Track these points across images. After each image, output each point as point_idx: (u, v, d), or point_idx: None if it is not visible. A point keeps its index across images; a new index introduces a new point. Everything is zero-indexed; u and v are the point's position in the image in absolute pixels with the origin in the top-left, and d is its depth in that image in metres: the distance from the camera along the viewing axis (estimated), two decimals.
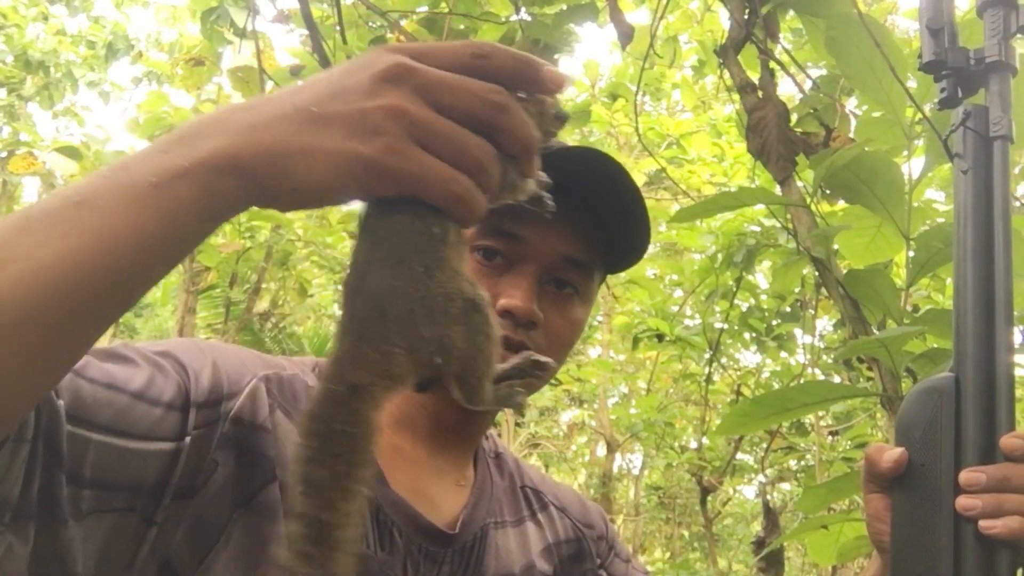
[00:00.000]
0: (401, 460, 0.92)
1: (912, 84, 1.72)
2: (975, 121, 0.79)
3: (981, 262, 0.77)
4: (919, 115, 1.70)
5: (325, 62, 2.81)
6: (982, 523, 0.73)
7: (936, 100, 0.83)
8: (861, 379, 3.09)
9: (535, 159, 0.66)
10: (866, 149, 1.70)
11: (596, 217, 0.92)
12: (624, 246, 0.98)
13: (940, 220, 2.49)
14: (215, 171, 0.58)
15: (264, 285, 6.16)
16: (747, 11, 2.05)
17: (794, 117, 2.05)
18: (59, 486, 0.68)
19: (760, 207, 2.89)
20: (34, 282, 0.54)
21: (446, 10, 3.00)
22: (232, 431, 0.80)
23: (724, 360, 4.82)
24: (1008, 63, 0.80)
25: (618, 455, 8.18)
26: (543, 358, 0.77)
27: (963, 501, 0.75)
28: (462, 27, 3.07)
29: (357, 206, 0.68)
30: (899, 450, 0.79)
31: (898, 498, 0.79)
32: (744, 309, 4.26)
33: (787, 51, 2.33)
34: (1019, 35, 0.81)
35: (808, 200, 1.94)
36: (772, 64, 2.07)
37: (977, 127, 0.79)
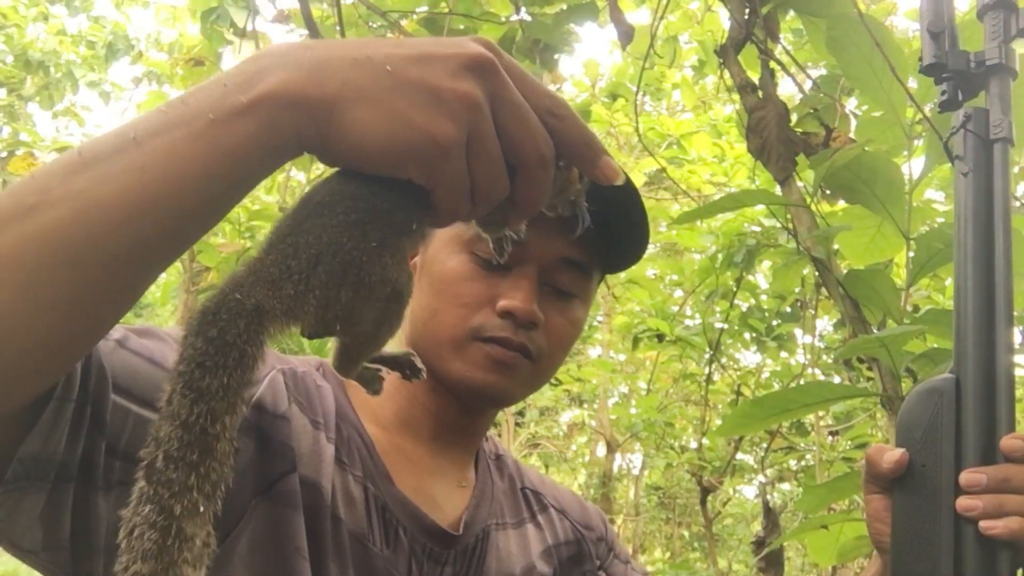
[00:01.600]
0: (404, 460, 0.92)
1: (912, 84, 1.72)
2: (975, 124, 0.80)
3: (982, 263, 0.77)
4: (919, 115, 1.70)
5: None
6: (983, 524, 0.74)
7: (936, 102, 0.83)
8: (861, 379, 3.09)
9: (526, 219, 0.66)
10: (866, 149, 1.70)
11: (595, 218, 0.92)
12: (623, 247, 0.98)
13: (940, 220, 2.49)
14: (279, 106, 0.55)
15: None
16: (747, 11, 2.05)
17: (794, 117, 2.05)
18: (99, 453, 0.68)
19: (760, 207, 2.89)
20: (93, 218, 0.53)
21: (446, 10, 3.00)
22: (253, 417, 0.81)
23: (724, 360, 4.82)
24: (1008, 66, 0.80)
25: (618, 455, 8.18)
26: (419, 365, 0.79)
27: (964, 502, 0.75)
28: (462, 27, 3.07)
29: None
30: (900, 451, 0.79)
31: (899, 499, 0.79)
32: (744, 309, 4.26)
33: (787, 51, 2.33)
34: (1019, 38, 0.81)
35: (808, 200, 1.94)
36: (772, 64, 2.07)
37: (977, 130, 0.79)
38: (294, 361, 0.91)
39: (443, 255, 0.92)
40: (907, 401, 0.79)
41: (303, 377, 0.89)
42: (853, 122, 2.09)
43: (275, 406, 0.83)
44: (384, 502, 0.88)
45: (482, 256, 0.90)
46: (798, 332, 4.25)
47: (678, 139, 5.53)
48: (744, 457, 5.75)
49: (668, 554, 9.22)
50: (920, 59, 0.83)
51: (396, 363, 0.77)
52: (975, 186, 0.79)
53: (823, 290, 2.99)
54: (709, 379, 4.70)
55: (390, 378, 0.96)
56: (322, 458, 0.84)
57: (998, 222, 0.78)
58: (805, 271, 3.14)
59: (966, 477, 0.75)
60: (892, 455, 0.79)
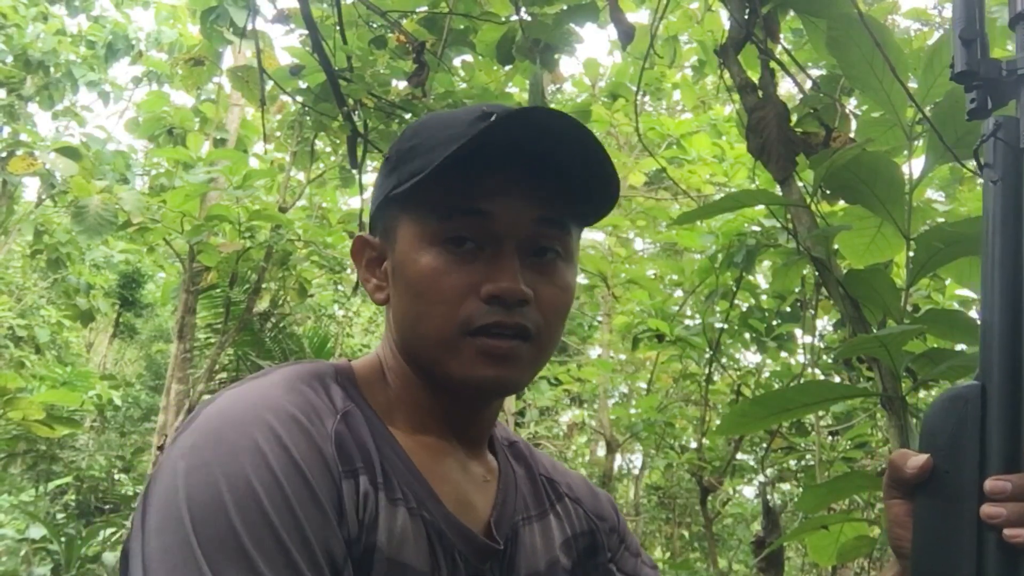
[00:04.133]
0: (434, 463, 0.89)
1: (912, 84, 1.72)
2: (1005, 132, 0.80)
3: (1009, 270, 0.77)
4: (919, 115, 1.70)
5: (325, 62, 2.81)
6: (1006, 531, 0.73)
7: (966, 111, 0.83)
8: (861, 379, 3.09)
9: None
10: (866, 149, 1.70)
11: (558, 171, 0.87)
12: (591, 193, 0.91)
13: (940, 220, 2.49)
14: None
15: (264, 285, 6.15)
16: (747, 11, 2.05)
17: (794, 117, 2.05)
18: None
19: (760, 207, 2.89)
20: None
21: (446, 10, 3.00)
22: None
23: (724, 360, 4.82)
24: None
25: (618, 455, 8.18)
26: None
27: (988, 509, 0.74)
28: (462, 27, 3.07)
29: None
30: (924, 456, 0.78)
31: (921, 504, 0.79)
32: (744, 309, 4.26)
33: (787, 51, 2.34)
34: None
35: (808, 200, 1.94)
36: (772, 64, 2.07)
37: (1007, 138, 0.79)
38: (316, 395, 0.85)
39: (413, 254, 0.87)
40: (932, 407, 0.79)
41: (355, 425, 0.85)
42: (853, 122, 2.09)
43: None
44: (440, 527, 0.85)
45: (454, 245, 0.85)
46: (798, 332, 4.25)
47: (678, 139, 5.54)
48: (744, 457, 5.75)
49: (668, 554, 9.22)
50: (951, 67, 0.82)
51: None
52: (1004, 194, 0.79)
53: (823, 290, 2.99)
54: (709, 379, 4.70)
55: (393, 384, 0.92)
56: (373, 511, 0.82)
57: None
58: (805, 271, 3.14)
59: (991, 484, 0.74)
60: (916, 460, 0.79)
